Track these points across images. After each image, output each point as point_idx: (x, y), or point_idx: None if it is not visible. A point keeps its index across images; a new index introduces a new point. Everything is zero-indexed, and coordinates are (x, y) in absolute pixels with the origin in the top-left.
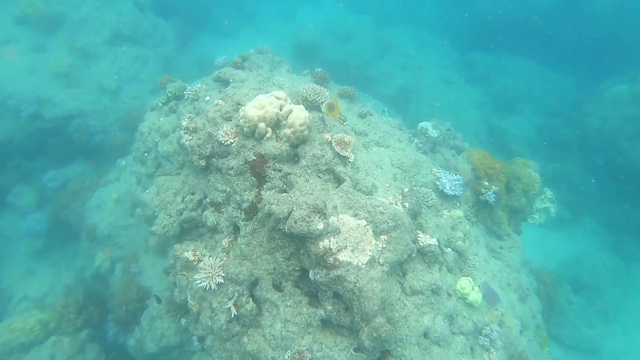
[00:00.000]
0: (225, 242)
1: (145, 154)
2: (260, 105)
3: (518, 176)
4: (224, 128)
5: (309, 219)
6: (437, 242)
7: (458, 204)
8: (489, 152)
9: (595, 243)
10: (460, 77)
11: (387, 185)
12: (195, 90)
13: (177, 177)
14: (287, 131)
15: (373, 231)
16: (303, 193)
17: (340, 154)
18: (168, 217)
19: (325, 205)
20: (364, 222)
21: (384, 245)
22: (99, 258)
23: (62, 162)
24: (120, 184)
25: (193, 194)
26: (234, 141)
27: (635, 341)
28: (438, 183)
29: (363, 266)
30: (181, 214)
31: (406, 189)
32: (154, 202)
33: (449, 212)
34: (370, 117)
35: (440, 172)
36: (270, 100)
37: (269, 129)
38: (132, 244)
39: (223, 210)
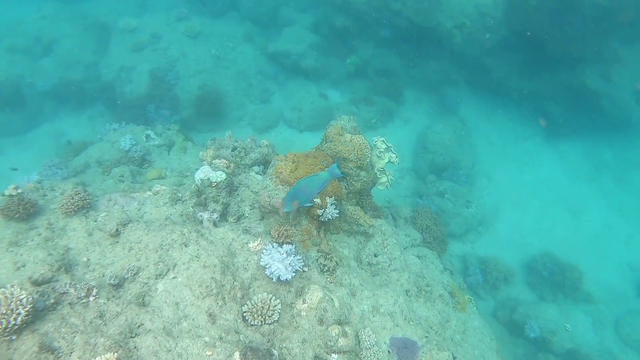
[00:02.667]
0: None
1: None
2: None
3: (343, 157)
4: None
5: None
6: None
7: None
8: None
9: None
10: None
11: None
12: None
13: None
14: None
15: None
16: None
17: None
18: None
19: None
20: None
21: None
22: None
23: None
24: None
25: None
26: None
27: (500, 181)
28: (267, 271)
29: None
30: None
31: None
32: None
33: (306, 303)
34: None
35: (260, 248)
36: None
37: None
38: None
39: None
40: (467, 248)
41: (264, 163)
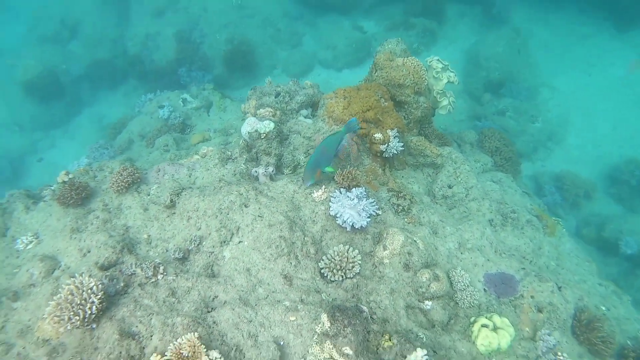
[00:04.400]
0: None
1: None
2: None
3: (397, 84)
4: None
5: None
6: None
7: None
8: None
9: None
10: None
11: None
12: None
13: None
14: None
15: None
16: None
17: None
18: None
19: None
20: None
21: None
22: None
23: None
24: None
25: None
26: None
27: (565, 89)
28: (338, 221)
29: None
30: None
31: None
32: None
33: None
34: None
35: (327, 196)
36: None
37: None
38: None
39: None
40: (538, 167)
41: (312, 105)
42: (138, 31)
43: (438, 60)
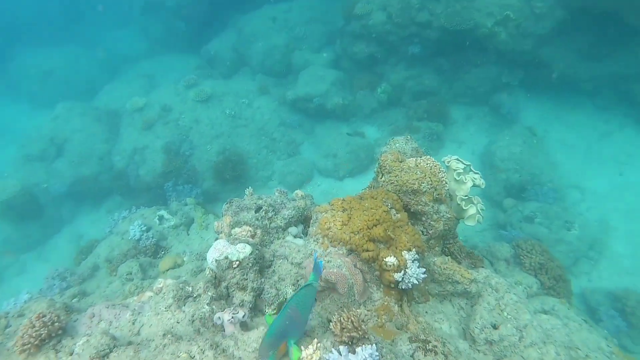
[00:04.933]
0: None
1: None
2: None
3: (411, 189)
4: None
5: None
6: None
7: None
8: None
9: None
10: (214, 81)
11: None
12: None
13: None
14: None
15: None
16: None
17: None
18: None
19: None
20: None
21: None
22: None
23: None
24: None
25: None
26: None
27: (597, 189)
28: None
29: None
30: None
31: None
32: None
33: None
34: None
35: (319, 358)
36: None
37: None
38: None
39: None
40: (584, 282)
41: (303, 221)
42: (126, 146)
43: (457, 159)
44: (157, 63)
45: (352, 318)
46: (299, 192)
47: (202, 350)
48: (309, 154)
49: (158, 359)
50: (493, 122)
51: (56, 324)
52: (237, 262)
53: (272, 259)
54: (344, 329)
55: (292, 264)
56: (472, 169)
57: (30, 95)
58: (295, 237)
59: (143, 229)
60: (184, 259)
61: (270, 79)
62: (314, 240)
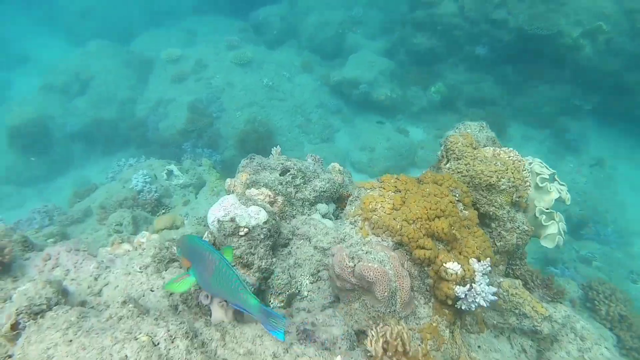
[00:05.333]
0: None
1: None
2: None
3: (487, 184)
4: None
5: None
6: None
7: None
8: None
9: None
10: (257, 47)
11: None
12: None
13: None
14: None
15: None
16: None
17: None
18: None
19: None
20: None
21: None
22: None
23: None
24: None
25: None
26: None
27: None
28: None
29: None
30: None
31: None
32: None
33: None
34: None
35: None
36: None
37: None
38: None
39: None
40: None
41: (337, 200)
42: (152, 95)
43: (541, 163)
44: (201, 22)
45: (404, 336)
46: (335, 165)
47: (171, 336)
48: (344, 143)
49: (105, 335)
50: (553, 148)
51: None
52: (246, 230)
53: (291, 237)
54: (387, 351)
55: (315, 247)
56: (557, 179)
57: (68, 29)
58: (324, 216)
59: (147, 180)
60: (184, 221)
61: (316, 57)
62: (350, 223)
